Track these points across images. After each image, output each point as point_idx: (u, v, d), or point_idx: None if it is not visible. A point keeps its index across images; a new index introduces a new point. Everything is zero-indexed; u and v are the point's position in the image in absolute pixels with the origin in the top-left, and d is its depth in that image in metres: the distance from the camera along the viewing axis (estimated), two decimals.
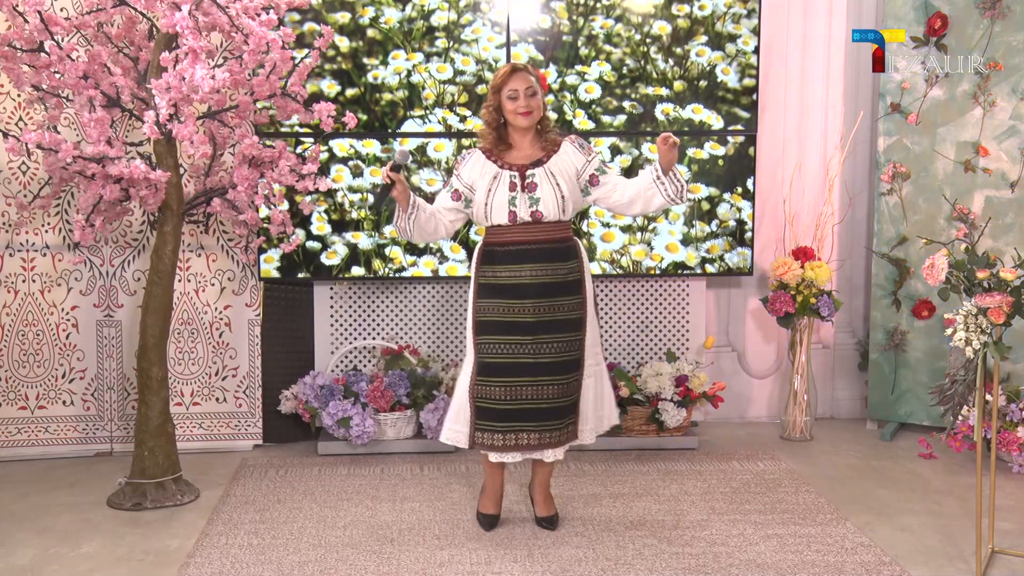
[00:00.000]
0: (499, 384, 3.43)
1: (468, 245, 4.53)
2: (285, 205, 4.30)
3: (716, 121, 4.59)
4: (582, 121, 4.54)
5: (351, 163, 4.48)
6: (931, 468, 4.35)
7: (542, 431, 3.43)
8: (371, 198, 4.46)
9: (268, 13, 3.71)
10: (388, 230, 4.49)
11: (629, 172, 4.56)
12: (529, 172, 3.45)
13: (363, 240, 4.51)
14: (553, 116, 4.50)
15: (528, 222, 3.43)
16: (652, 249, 4.63)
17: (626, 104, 4.56)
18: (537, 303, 3.42)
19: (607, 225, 4.60)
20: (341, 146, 4.47)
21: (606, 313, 4.87)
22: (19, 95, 4.25)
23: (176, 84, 3.52)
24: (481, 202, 3.45)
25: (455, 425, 3.54)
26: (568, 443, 3.51)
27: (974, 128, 4.66)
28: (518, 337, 3.42)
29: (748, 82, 4.60)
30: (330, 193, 4.47)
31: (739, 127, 4.61)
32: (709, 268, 4.68)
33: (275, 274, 4.51)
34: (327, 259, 4.51)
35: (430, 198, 3.95)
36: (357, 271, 4.53)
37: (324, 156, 4.44)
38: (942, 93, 4.70)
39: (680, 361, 4.67)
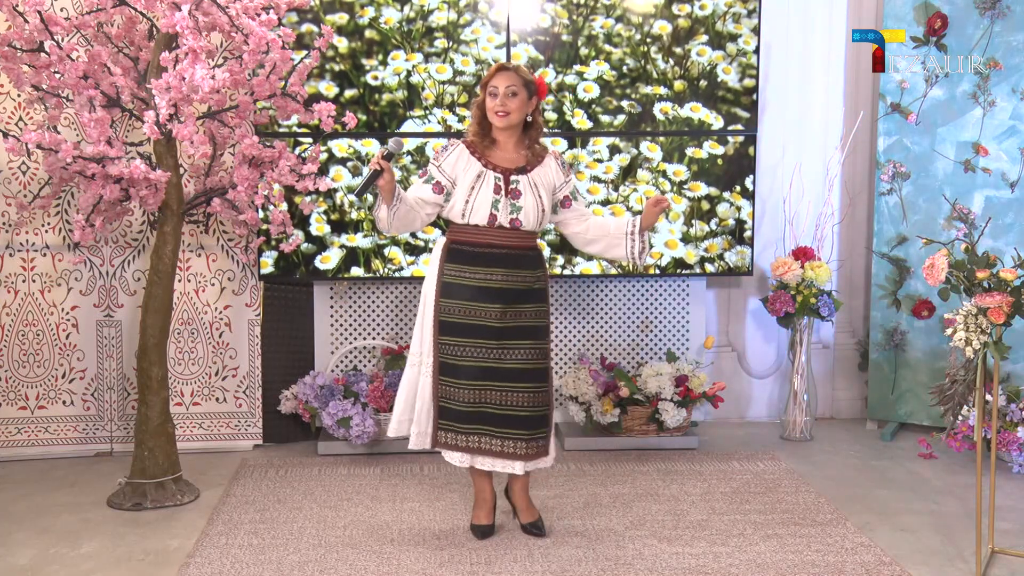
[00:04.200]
0: (464, 387, 3.39)
1: None
2: (284, 206, 4.29)
3: (716, 121, 4.59)
4: (581, 121, 4.54)
5: (350, 163, 4.49)
6: (931, 468, 4.35)
7: (507, 439, 3.39)
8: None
9: (268, 13, 3.71)
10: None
11: (629, 172, 4.56)
12: (514, 178, 3.41)
13: (362, 240, 4.50)
14: (553, 117, 4.51)
15: (505, 228, 3.41)
16: (652, 247, 4.62)
17: (625, 104, 4.56)
18: (504, 308, 3.39)
19: None
20: (340, 146, 4.47)
21: (606, 313, 4.88)
22: (19, 95, 4.25)
23: (176, 84, 3.52)
24: (462, 199, 3.41)
25: (418, 428, 3.47)
26: (539, 458, 3.45)
27: (974, 128, 4.66)
28: (483, 341, 3.38)
29: (748, 82, 4.60)
30: (329, 194, 4.47)
31: (739, 127, 4.61)
32: (709, 268, 4.67)
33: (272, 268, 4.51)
34: (321, 263, 4.50)
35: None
36: (356, 271, 4.53)
37: (323, 156, 4.44)
38: (942, 93, 4.70)
39: (680, 361, 4.67)
